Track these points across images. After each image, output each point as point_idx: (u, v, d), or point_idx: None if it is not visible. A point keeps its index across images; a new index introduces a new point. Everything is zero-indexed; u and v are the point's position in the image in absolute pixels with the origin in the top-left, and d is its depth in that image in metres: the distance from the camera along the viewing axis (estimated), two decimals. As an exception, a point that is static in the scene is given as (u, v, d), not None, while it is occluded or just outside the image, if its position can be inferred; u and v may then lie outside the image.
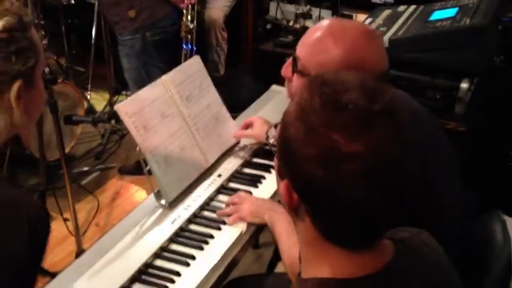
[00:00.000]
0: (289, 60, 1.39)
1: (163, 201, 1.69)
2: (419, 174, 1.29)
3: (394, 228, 1.00)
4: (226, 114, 2.00)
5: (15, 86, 1.03)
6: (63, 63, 4.04)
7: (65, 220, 2.75)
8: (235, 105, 3.05)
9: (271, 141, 1.41)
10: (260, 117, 1.97)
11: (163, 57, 2.91)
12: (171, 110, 1.78)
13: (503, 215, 1.61)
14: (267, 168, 1.89)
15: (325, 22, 1.36)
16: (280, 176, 0.89)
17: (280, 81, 4.18)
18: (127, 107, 1.67)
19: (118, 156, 3.51)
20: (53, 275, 2.54)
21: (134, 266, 1.47)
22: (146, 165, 1.68)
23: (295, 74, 1.37)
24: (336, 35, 1.30)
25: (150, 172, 1.67)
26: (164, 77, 1.80)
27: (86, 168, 3.34)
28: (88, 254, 1.53)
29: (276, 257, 1.98)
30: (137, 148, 1.67)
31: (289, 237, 1.42)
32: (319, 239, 0.87)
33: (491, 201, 1.67)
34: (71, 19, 4.31)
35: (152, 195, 1.72)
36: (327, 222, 0.86)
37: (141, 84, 2.77)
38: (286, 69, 1.42)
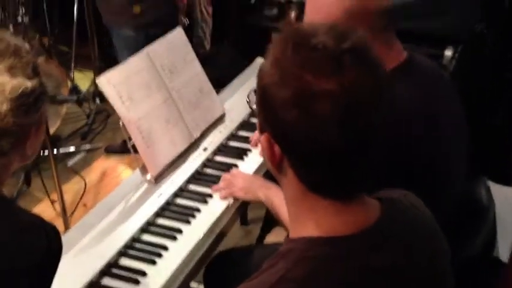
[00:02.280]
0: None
1: (148, 176, 1.68)
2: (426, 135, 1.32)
3: (381, 190, 1.00)
4: (210, 87, 1.98)
5: (32, 133, 1.04)
6: (46, 43, 3.97)
7: (52, 202, 2.74)
8: (221, 80, 3.03)
9: (254, 107, 1.41)
10: None
11: None
12: (156, 81, 1.76)
13: (487, 180, 1.63)
14: (253, 143, 1.88)
15: None
16: (261, 130, 0.89)
17: (264, 55, 4.14)
18: (110, 77, 1.64)
19: (104, 136, 3.47)
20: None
21: (121, 240, 1.46)
22: (130, 140, 1.66)
23: None
24: None
25: (135, 149, 1.66)
26: (147, 49, 1.78)
27: (72, 149, 3.31)
28: (73, 231, 1.52)
29: (264, 230, 1.98)
30: (120, 122, 1.64)
31: None
32: (304, 193, 0.87)
33: (476, 167, 1.67)
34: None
35: (138, 170, 1.70)
36: (308, 170, 0.86)
37: None
38: None
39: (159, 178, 1.69)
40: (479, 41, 2.22)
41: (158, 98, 1.75)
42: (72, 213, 2.79)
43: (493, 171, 1.86)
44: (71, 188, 2.99)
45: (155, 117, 1.72)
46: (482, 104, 2.32)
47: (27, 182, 2.81)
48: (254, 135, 1.89)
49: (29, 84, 0.97)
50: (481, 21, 2.22)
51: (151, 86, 1.73)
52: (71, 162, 3.22)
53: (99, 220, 1.54)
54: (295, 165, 0.86)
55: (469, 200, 1.56)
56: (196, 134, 1.85)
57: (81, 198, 2.92)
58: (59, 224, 2.65)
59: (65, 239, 1.46)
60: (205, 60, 3.22)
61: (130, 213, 1.56)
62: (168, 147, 1.74)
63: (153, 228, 1.54)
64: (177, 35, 1.91)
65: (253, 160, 1.81)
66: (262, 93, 0.86)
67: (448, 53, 2.15)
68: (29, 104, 0.98)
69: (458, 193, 1.47)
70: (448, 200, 1.43)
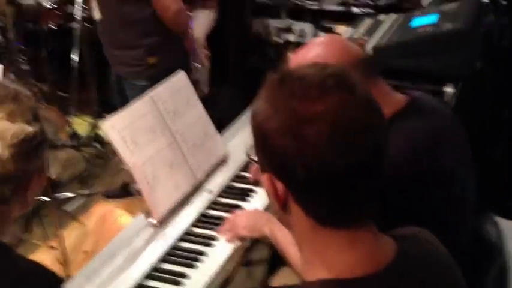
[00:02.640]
0: None
1: (153, 220, 1.65)
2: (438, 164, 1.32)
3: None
4: (213, 129, 1.98)
5: (33, 180, 1.03)
6: (45, 89, 3.99)
7: (52, 248, 2.69)
8: (221, 122, 3.03)
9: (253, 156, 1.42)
10: None
11: None
12: (160, 125, 1.75)
13: (495, 216, 1.61)
14: (256, 182, 1.86)
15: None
16: (262, 171, 0.90)
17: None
18: (115, 122, 1.63)
19: (103, 181, 3.45)
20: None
21: (126, 288, 1.43)
22: (135, 184, 1.64)
23: None
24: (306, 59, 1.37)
25: (138, 192, 1.63)
26: (151, 93, 1.78)
27: (70, 195, 3.28)
28: (77, 279, 1.48)
29: (270, 272, 1.94)
30: (125, 166, 1.63)
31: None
32: (313, 228, 0.86)
33: (482, 203, 1.65)
34: (51, 45, 4.27)
35: (141, 214, 1.67)
36: (312, 199, 0.85)
37: None
38: None
39: (163, 221, 1.66)
40: (479, 78, 2.23)
41: (163, 142, 1.74)
42: (73, 261, 2.74)
43: (498, 206, 1.84)
44: (70, 234, 2.95)
45: (160, 161, 1.70)
46: (483, 139, 2.32)
47: (28, 228, 2.77)
48: (252, 172, 1.88)
49: (30, 130, 0.96)
50: (481, 59, 2.23)
51: (155, 130, 1.73)
52: (69, 208, 3.19)
53: (103, 266, 1.50)
54: (299, 198, 0.86)
55: (477, 237, 1.54)
56: (200, 176, 1.84)
57: (81, 244, 2.88)
58: (60, 272, 2.60)
59: (68, 287, 1.45)
60: (205, 102, 3.24)
61: (135, 258, 1.53)
62: (172, 191, 1.72)
63: (159, 274, 1.50)
64: (180, 78, 1.92)
65: (259, 200, 1.79)
66: (257, 130, 0.89)
67: (449, 89, 2.16)
68: (31, 150, 0.97)
69: (469, 229, 1.46)
70: (461, 235, 1.41)
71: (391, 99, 1.40)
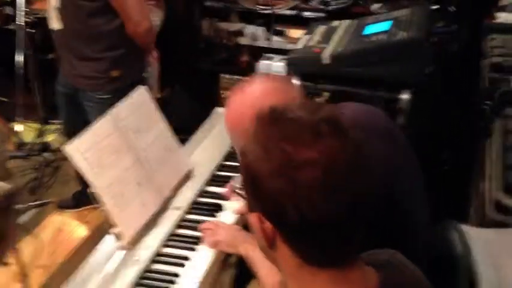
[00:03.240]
0: None
1: (122, 241, 1.63)
2: (385, 191, 1.34)
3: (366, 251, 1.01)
4: (175, 143, 1.96)
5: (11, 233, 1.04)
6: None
7: (5, 264, 2.59)
8: (177, 126, 3.00)
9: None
10: None
11: None
12: (124, 144, 1.72)
13: (458, 224, 1.67)
14: (222, 197, 1.87)
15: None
16: (251, 210, 0.90)
17: (219, 100, 4.15)
18: (78, 145, 1.58)
19: (54, 189, 3.35)
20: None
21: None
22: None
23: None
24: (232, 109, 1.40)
25: (94, 199, 1.60)
26: (112, 112, 1.74)
27: (21, 206, 3.16)
28: (49, 309, 1.45)
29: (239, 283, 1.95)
30: (92, 188, 1.59)
31: (268, 266, 1.41)
32: (300, 266, 0.88)
33: (441, 210, 1.72)
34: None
35: (111, 236, 1.65)
36: (301, 242, 0.87)
37: None
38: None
39: (133, 242, 1.64)
40: (431, 84, 2.31)
41: (127, 161, 1.71)
42: (29, 276, 2.65)
43: (460, 213, 1.93)
44: (25, 248, 2.84)
45: (126, 180, 1.68)
46: (439, 144, 2.41)
47: None
48: (226, 189, 1.88)
49: (7, 187, 0.96)
50: (432, 64, 2.31)
51: (119, 149, 1.69)
52: (21, 220, 3.08)
53: (75, 295, 1.47)
54: (288, 239, 0.87)
55: (442, 246, 1.59)
56: (167, 193, 1.82)
57: (36, 259, 2.79)
58: (17, 290, 2.51)
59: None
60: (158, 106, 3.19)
61: (108, 285, 1.50)
62: (140, 210, 1.69)
63: (133, 300, 1.49)
64: (141, 93, 1.89)
65: (226, 216, 1.79)
66: (247, 170, 0.88)
67: (404, 96, 2.23)
68: (8, 206, 0.94)
69: (425, 239, 1.51)
70: (417, 247, 1.47)
71: None
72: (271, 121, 0.88)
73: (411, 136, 2.27)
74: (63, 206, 3.14)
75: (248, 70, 3.27)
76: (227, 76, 3.42)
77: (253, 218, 0.89)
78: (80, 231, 3.04)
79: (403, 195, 1.43)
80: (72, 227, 3.07)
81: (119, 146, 1.70)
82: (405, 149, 1.54)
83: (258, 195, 0.87)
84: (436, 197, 1.63)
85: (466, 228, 1.65)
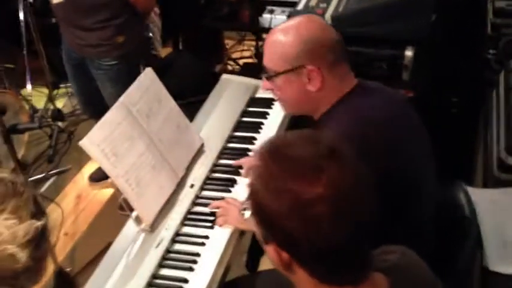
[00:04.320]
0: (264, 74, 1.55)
1: (143, 225, 1.71)
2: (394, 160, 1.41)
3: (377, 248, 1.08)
4: (185, 120, 2.00)
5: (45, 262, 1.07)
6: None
7: None
8: (181, 91, 3.04)
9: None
10: None
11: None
12: (136, 130, 1.77)
13: (464, 185, 1.72)
14: (235, 171, 1.93)
15: (273, 29, 1.54)
16: (265, 241, 0.97)
17: (222, 57, 4.12)
18: (92, 136, 1.64)
19: (70, 156, 3.44)
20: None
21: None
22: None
23: (270, 81, 1.53)
24: (282, 32, 1.48)
25: (126, 203, 1.68)
26: (122, 98, 1.78)
27: (41, 175, 3.27)
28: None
29: (253, 257, 2.05)
30: (109, 181, 1.66)
31: None
32: (318, 286, 0.95)
33: (449, 173, 1.76)
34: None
35: (131, 220, 1.73)
36: (315, 266, 0.94)
37: None
38: (265, 83, 1.57)
39: (153, 224, 1.73)
40: (434, 37, 2.30)
41: (141, 146, 1.76)
42: (55, 244, 2.78)
43: (465, 175, 1.98)
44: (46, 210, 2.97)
45: (141, 166, 1.74)
46: (444, 102, 2.43)
47: None
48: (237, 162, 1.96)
49: (38, 224, 0.99)
50: (436, 18, 2.29)
51: (132, 136, 1.75)
52: (42, 189, 3.19)
53: (105, 281, 1.57)
54: (304, 264, 0.94)
55: (449, 208, 1.65)
56: (181, 172, 1.89)
57: (60, 227, 2.92)
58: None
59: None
60: (162, 70, 3.22)
61: (134, 268, 1.60)
62: (157, 193, 1.77)
63: (158, 281, 1.58)
64: (148, 75, 1.91)
65: (241, 190, 1.86)
66: (258, 209, 0.94)
67: (409, 52, 2.23)
68: (41, 240, 1.00)
69: (434, 195, 1.58)
70: (428, 204, 1.54)
71: (344, 84, 1.49)
72: (274, 160, 0.92)
73: (417, 90, 2.31)
74: (95, 179, 3.20)
75: (251, 26, 3.24)
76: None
77: (269, 249, 0.96)
78: (101, 196, 3.14)
79: (410, 160, 1.49)
80: (92, 193, 3.18)
81: (132, 132, 1.75)
82: (411, 116, 1.58)
83: (271, 231, 0.94)
84: (443, 156, 1.67)
85: (472, 189, 1.72)
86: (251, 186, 0.95)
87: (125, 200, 1.69)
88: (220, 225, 1.73)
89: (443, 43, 2.37)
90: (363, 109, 1.47)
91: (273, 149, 0.94)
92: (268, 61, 1.52)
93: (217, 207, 1.77)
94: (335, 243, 0.88)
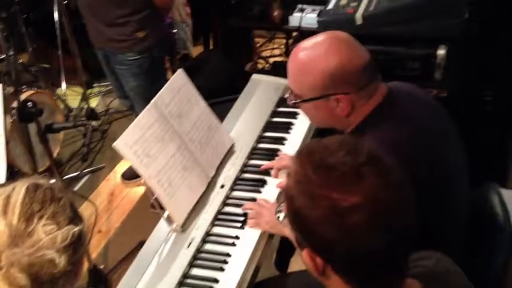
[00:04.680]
0: (288, 91, 1.54)
1: (174, 225, 1.74)
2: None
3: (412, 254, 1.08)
4: (216, 121, 2.02)
5: (81, 265, 1.08)
6: (25, 61, 3.93)
7: None
8: (212, 90, 3.06)
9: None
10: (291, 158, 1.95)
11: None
12: (168, 131, 1.80)
13: (498, 186, 1.69)
14: (266, 172, 1.94)
15: (296, 50, 1.48)
16: (300, 246, 0.97)
17: (252, 57, 4.12)
18: (125, 138, 1.67)
19: (104, 154, 3.50)
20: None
21: (162, 299, 1.53)
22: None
23: (295, 103, 1.51)
24: (308, 61, 1.43)
25: (158, 203, 1.71)
26: (155, 100, 1.81)
27: (75, 174, 3.34)
28: (117, 294, 1.59)
29: (282, 257, 2.05)
30: (142, 181, 1.69)
31: None
32: None
33: (482, 171, 1.73)
34: (26, 13, 4.14)
35: (163, 220, 1.76)
36: (354, 273, 0.94)
37: (150, 98, 2.79)
38: (289, 99, 1.55)
39: (184, 224, 1.75)
40: (467, 35, 2.26)
41: (172, 147, 1.79)
42: (89, 241, 2.83)
43: (499, 176, 1.94)
44: (82, 215, 3.02)
45: (173, 166, 1.77)
46: (476, 96, 2.39)
47: None
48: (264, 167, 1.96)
49: (75, 229, 1.01)
50: (469, 15, 2.25)
51: (164, 137, 1.77)
52: (76, 187, 3.26)
53: (137, 280, 1.60)
54: (338, 270, 0.94)
55: (481, 210, 1.62)
56: (212, 173, 1.91)
57: (94, 224, 2.98)
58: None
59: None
60: (194, 69, 3.25)
61: (166, 268, 1.63)
62: (189, 193, 1.79)
63: (189, 281, 1.60)
64: (178, 76, 1.94)
65: (271, 190, 1.87)
66: (295, 216, 0.94)
67: (441, 51, 2.20)
68: (78, 245, 1.02)
69: (467, 198, 1.56)
70: (461, 207, 1.53)
71: (372, 101, 1.45)
72: (314, 167, 0.92)
73: (450, 89, 2.28)
74: (128, 177, 3.26)
75: (281, 25, 3.24)
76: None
77: (304, 254, 0.96)
78: (133, 193, 3.19)
79: (446, 161, 1.47)
80: (125, 191, 3.23)
81: (163, 134, 1.78)
82: (442, 119, 1.56)
83: (308, 237, 0.94)
84: (476, 156, 1.64)
85: (506, 191, 1.69)
86: (288, 191, 0.95)
87: (157, 200, 1.72)
88: (251, 227, 1.73)
89: (476, 41, 2.32)
90: (395, 119, 1.44)
91: (312, 156, 0.94)
92: (293, 85, 1.50)
93: (250, 209, 1.78)
94: (372, 251, 0.89)
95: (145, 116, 1.76)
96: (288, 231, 1.61)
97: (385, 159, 0.92)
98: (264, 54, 4.22)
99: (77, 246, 1.01)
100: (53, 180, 1.13)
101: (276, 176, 1.90)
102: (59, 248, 0.98)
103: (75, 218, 1.04)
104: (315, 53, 1.43)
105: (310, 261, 0.95)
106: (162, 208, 1.73)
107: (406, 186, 0.92)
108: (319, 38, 1.47)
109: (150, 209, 2.76)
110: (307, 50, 1.46)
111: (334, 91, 1.41)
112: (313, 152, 0.95)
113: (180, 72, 1.96)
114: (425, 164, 1.41)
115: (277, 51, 4.23)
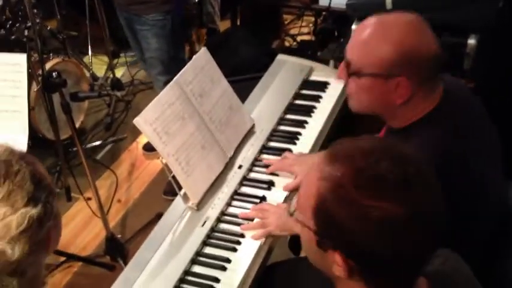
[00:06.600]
0: (343, 64, 1.44)
1: (190, 203, 1.75)
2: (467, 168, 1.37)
3: None
4: (237, 101, 2.02)
5: (51, 237, 0.98)
6: (54, 27, 3.95)
7: (88, 199, 2.80)
8: (237, 66, 3.05)
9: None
10: (295, 158, 1.88)
11: (184, 33, 3.01)
12: (188, 110, 1.80)
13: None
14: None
15: (368, 21, 1.40)
16: (322, 248, 0.95)
17: (277, 34, 4.06)
18: (146, 116, 1.67)
19: (127, 125, 3.53)
20: (83, 260, 2.65)
21: (175, 275, 1.55)
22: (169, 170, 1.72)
23: (350, 77, 1.43)
24: (383, 32, 1.36)
25: (175, 180, 1.72)
26: (177, 78, 1.80)
27: (98, 143, 3.38)
28: (130, 268, 1.61)
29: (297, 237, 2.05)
30: (160, 158, 1.70)
31: None
32: None
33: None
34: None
35: (179, 197, 1.77)
36: (376, 276, 0.94)
37: (168, 63, 2.85)
38: (341, 73, 1.47)
39: (200, 203, 1.76)
40: (500, 25, 2.20)
41: (192, 126, 1.79)
42: (108, 210, 2.87)
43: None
44: (103, 184, 3.08)
45: (191, 145, 1.77)
46: (506, 87, 2.33)
47: (68, 198, 2.91)
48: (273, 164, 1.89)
49: (33, 212, 0.89)
50: (503, 4, 2.19)
51: (184, 116, 1.77)
52: (98, 156, 3.30)
53: (152, 255, 1.62)
54: (366, 273, 0.94)
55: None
56: (230, 153, 1.91)
57: (114, 194, 3.02)
58: (97, 223, 2.75)
59: (123, 277, 1.59)
60: (220, 44, 3.23)
61: (180, 245, 1.65)
62: (206, 173, 1.80)
63: (202, 259, 1.62)
64: (202, 55, 1.93)
65: (286, 175, 1.86)
66: (330, 223, 0.92)
67: (472, 41, 2.15)
68: (39, 226, 0.91)
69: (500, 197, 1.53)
70: (494, 207, 1.50)
71: (430, 100, 1.41)
72: (358, 175, 0.89)
73: (478, 80, 2.23)
74: (149, 149, 3.25)
75: (310, 3, 3.19)
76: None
77: (336, 258, 0.93)
78: (154, 166, 3.22)
79: (476, 157, 1.43)
80: (146, 162, 3.26)
81: (183, 112, 1.78)
82: (480, 114, 1.53)
83: (345, 245, 0.92)
84: (505, 150, 1.61)
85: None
86: (321, 197, 0.92)
87: (174, 179, 1.73)
88: (259, 238, 1.66)
89: (509, 31, 2.26)
90: (447, 131, 1.40)
91: (353, 161, 0.91)
92: (355, 56, 1.40)
93: (250, 217, 1.72)
94: (403, 258, 0.90)
95: (167, 93, 1.76)
96: (298, 229, 1.61)
97: (431, 173, 0.92)
98: (292, 32, 4.18)
99: (38, 228, 0.90)
100: (5, 145, 0.95)
101: (271, 172, 1.87)
102: (13, 236, 0.87)
103: (38, 191, 0.91)
104: (389, 30, 1.35)
105: (343, 265, 0.93)
106: (180, 187, 1.74)
107: (442, 197, 0.92)
108: (399, 13, 1.40)
109: (162, 196, 2.85)
110: (379, 25, 1.38)
111: (399, 72, 1.33)
112: (353, 157, 0.91)
113: (203, 50, 1.95)
114: (467, 176, 1.38)
115: (305, 29, 4.18)
